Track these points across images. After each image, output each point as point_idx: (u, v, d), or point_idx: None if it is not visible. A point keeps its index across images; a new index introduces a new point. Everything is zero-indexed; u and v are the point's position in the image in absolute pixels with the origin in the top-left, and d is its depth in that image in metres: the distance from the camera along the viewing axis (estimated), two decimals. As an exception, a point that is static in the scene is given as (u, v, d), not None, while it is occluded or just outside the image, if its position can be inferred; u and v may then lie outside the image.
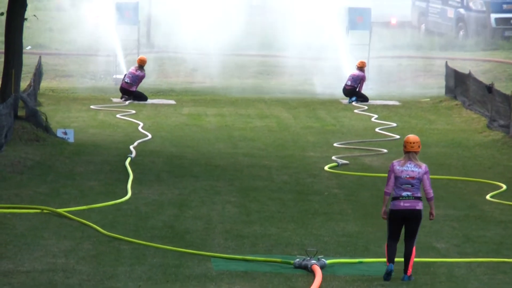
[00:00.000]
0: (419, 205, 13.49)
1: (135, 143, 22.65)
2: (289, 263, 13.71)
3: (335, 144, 23.37)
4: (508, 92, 26.44)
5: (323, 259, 13.65)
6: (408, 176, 13.38)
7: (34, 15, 26.94)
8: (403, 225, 13.29)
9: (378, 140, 24.44)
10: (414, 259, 13.28)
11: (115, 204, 17.08)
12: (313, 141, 24.41)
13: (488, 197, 18.49)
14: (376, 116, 28.35)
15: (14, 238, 14.81)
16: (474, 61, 35.33)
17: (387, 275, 13.00)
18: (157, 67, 32.96)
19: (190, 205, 17.33)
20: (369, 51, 34.29)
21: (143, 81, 30.56)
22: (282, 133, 25.99)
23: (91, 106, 28.49)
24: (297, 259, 13.67)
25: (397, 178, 13.47)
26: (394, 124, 26.57)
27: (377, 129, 26.14)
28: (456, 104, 30.37)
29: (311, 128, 26.67)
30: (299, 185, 19.61)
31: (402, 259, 13.05)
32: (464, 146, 23.78)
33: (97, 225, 15.42)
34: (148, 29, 36.42)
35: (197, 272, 13.43)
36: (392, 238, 13.21)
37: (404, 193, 13.31)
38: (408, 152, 13.43)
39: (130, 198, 17.60)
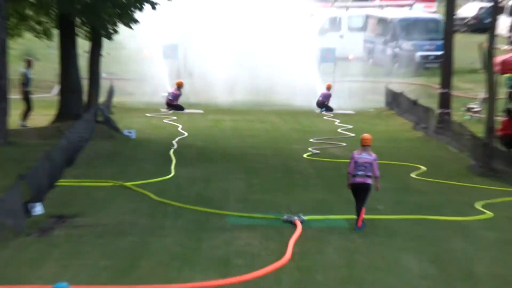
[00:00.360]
0: (369, 181, 13.74)
1: (176, 139, 22.57)
2: (279, 219, 13.82)
3: (311, 140, 23.24)
4: (427, 105, 26.47)
5: (302, 216, 13.79)
6: (363, 161, 13.60)
7: (108, 53, 27.01)
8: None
9: (339, 137, 24.33)
10: (364, 216, 13.47)
11: (163, 179, 17.18)
12: (296, 137, 24.34)
13: (412, 175, 18.55)
14: (338, 121, 28.24)
15: (96, 202, 15.04)
16: (405, 84, 35.15)
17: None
18: (190, 87, 32.84)
19: (213, 180, 17.40)
20: (334, 77, 34.15)
21: (181, 97, 30.62)
22: (275, 132, 25.89)
23: (146, 114, 28.47)
24: (285, 216, 13.85)
25: (355, 162, 13.65)
26: (350, 126, 26.44)
27: (339, 130, 26.05)
28: (392, 113, 30.29)
29: (295, 129, 26.56)
30: (286, 167, 19.60)
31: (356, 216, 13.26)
32: (396, 141, 23.78)
33: (151, 193, 15.53)
34: (185, 61, 36.16)
35: (218, 225, 13.62)
36: (356, 203, 13.54)
37: (359, 172, 13.58)
38: (364, 146, 13.70)
39: (173, 176, 17.62)
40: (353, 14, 44.70)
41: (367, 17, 43.98)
